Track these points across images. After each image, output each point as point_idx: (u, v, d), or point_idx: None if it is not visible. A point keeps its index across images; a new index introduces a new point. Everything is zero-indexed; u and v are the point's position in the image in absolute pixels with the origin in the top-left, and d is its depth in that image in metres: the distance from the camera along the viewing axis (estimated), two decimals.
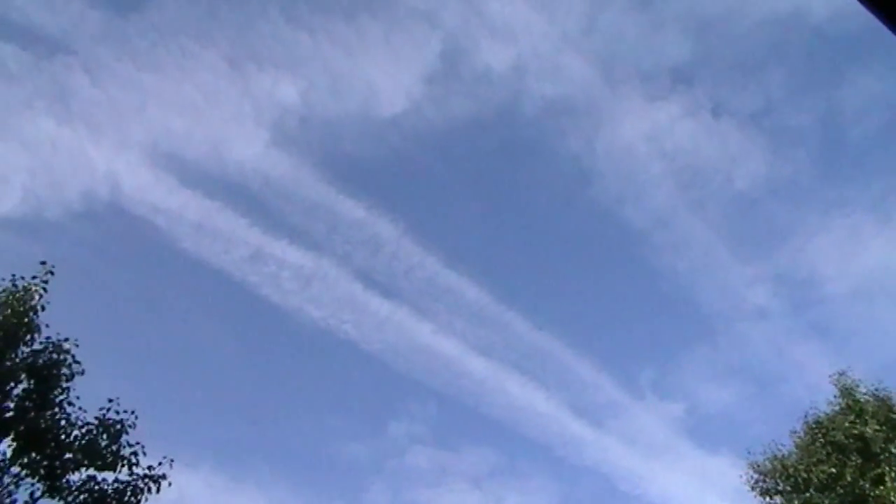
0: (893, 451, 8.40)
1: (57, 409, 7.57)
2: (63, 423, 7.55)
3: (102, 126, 13.66)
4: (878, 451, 8.54)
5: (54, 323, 8.17)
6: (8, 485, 7.30)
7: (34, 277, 8.08)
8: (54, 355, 8.13)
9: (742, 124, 16.10)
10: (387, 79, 13.77)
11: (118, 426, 7.32)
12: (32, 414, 7.41)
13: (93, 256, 14.78)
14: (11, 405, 7.59)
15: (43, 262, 8.32)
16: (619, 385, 17.58)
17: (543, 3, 13.57)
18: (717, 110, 16.07)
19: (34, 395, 7.51)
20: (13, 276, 8.23)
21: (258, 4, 13.14)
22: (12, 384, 7.73)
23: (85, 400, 7.86)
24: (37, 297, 7.92)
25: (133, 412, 7.50)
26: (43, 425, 7.35)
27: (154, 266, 15.27)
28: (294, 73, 13.55)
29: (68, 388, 7.79)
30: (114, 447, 7.26)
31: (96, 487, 7.31)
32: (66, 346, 8.18)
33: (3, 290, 8.05)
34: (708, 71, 16.22)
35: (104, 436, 7.28)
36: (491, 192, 16.32)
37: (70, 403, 7.75)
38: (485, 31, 13.67)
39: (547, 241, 17.66)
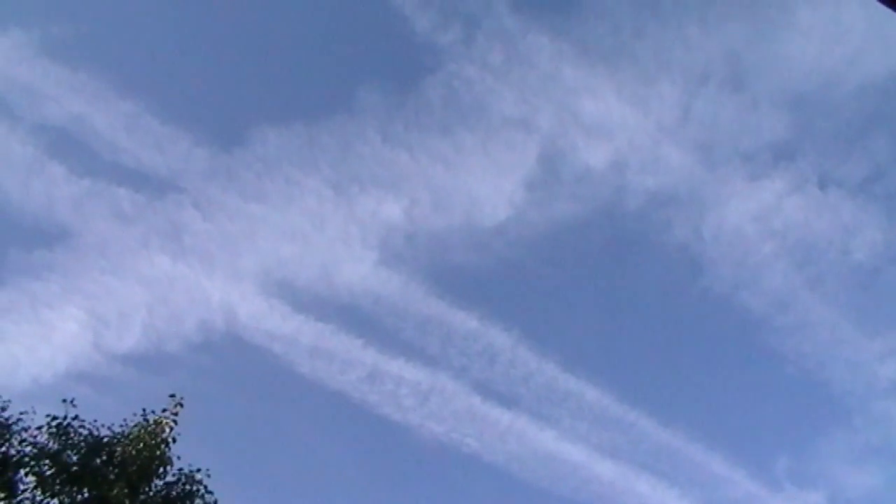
0: None
1: None
2: None
3: (215, 258, 14.04)
4: None
5: (183, 453, 8.26)
6: None
7: (164, 410, 8.20)
8: (188, 486, 8.17)
9: (851, 193, 15.53)
10: (488, 188, 13.85)
11: None
12: None
13: (213, 386, 14.97)
14: None
15: (172, 395, 8.48)
16: (754, 477, 16.58)
17: (636, 98, 13.57)
18: (823, 182, 15.54)
19: None
20: (143, 410, 8.42)
21: (356, 127, 13.52)
22: None
23: None
24: (167, 429, 8.09)
25: None
26: None
27: (273, 391, 15.37)
28: (396, 191, 13.77)
29: None
30: None
31: None
32: (199, 476, 8.23)
33: (136, 426, 8.21)
34: (809, 144, 15.77)
35: None
36: (601, 290, 16.04)
37: None
38: (580, 131, 13.68)
39: (663, 335, 17.13)
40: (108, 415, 9.04)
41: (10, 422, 7.67)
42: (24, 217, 13.89)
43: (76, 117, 13.28)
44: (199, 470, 8.26)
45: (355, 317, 14.54)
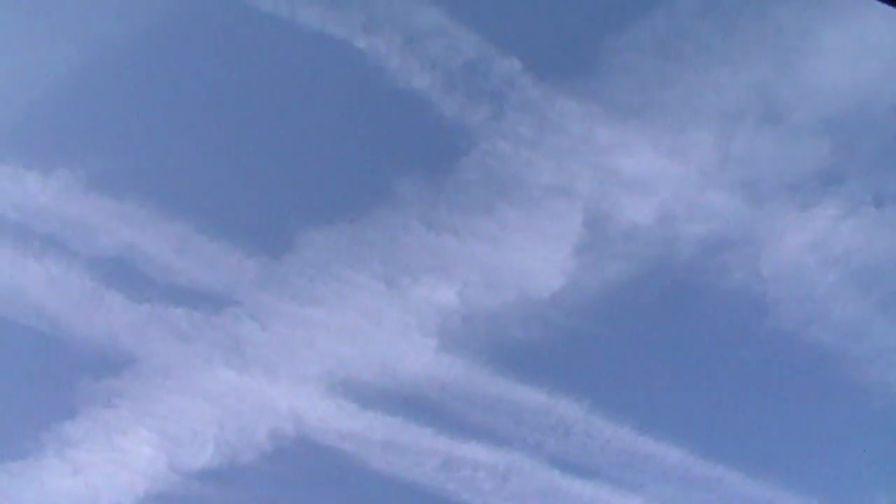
0: None
1: None
2: None
3: (278, 366, 14.11)
4: None
5: None
6: None
7: None
8: None
9: None
10: (537, 260, 13.77)
11: None
12: None
13: (290, 491, 14.89)
14: None
15: None
16: None
17: (673, 148, 13.47)
18: (878, 200, 15.14)
19: None
20: None
21: (399, 218, 13.61)
22: None
23: None
24: None
25: None
26: None
27: (349, 491, 15.21)
28: (447, 275, 13.75)
29: None
30: None
31: None
32: None
33: None
34: (855, 164, 15.40)
35: None
36: (665, 345, 15.71)
37: None
38: (622, 190, 13.60)
39: (736, 382, 16.66)
40: None
41: None
42: (89, 348, 14.16)
43: (128, 246, 13.61)
44: None
45: (423, 406, 14.43)
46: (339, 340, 14.15)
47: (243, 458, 14.06)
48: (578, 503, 14.94)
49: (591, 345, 15.23)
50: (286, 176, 14.40)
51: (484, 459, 14.29)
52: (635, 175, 13.47)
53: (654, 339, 15.56)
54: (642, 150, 13.38)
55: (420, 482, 14.70)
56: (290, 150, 14.24)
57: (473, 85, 13.11)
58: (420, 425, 14.26)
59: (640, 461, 14.68)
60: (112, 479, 13.96)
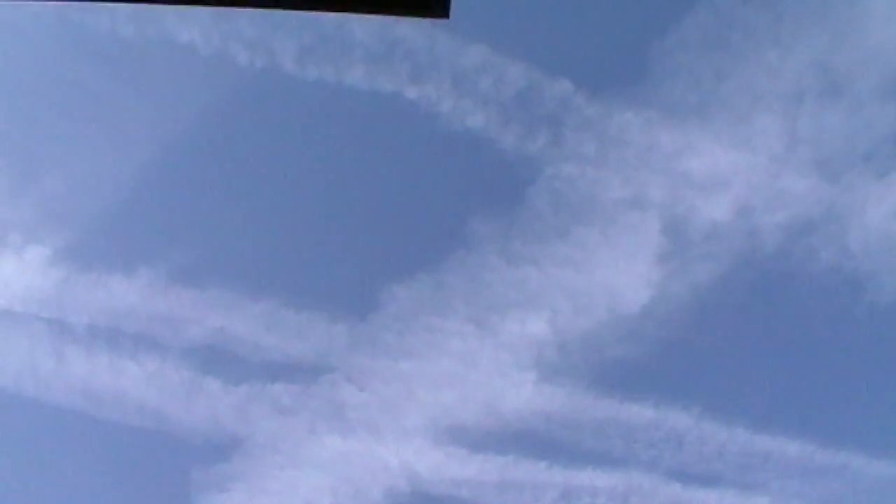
0: None
1: None
2: None
3: (382, 424, 14.12)
4: None
5: None
6: None
7: None
8: None
9: None
10: (621, 275, 13.62)
11: None
12: None
13: None
14: None
15: None
16: None
17: (739, 140, 13.26)
18: None
19: None
20: None
21: (477, 259, 13.58)
22: None
23: None
24: None
25: None
26: None
27: None
28: (535, 307, 13.68)
29: None
30: None
31: None
32: None
33: None
34: None
35: None
36: (764, 339, 15.36)
37: None
38: (695, 191, 13.40)
39: (842, 364, 16.20)
40: None
41: None
42: (195, 437, 14.37)
43: (218, 331, 13.83)
44: None
45: (532, 441, 14.31)
46: (438, 389, 14.14)
47: None
48: None
49: (689, 351, 15.00)
50: (360, 238, 14.57)
51: (602, 484, 14.08)
52: (706, 174, 13.28)
53: (751, 334, 15.25)
54: (708, 147, 13.21)
55: None
56: (360, 212, 14.42)
57: (528, 114, 13.11)
58: (533, 460, 14.14)
59: (759, 460, 14.34)
60: None
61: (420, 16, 3.21)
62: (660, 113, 13.02)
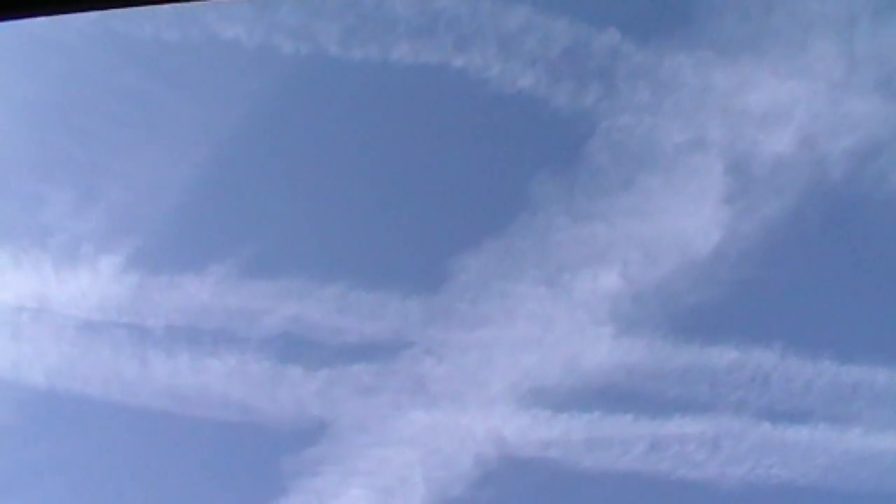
0: None
1: None
2: None
3: (464, 394, 14.20)
4: None
5: None
6: None
7: None
8: None
9: None
10: (689, 220, 13.47)
11: None
12: None
13: None
14: None
15: None
16: None
17: (795, 69, 12.98)
18: None
19: None
20: None
21: (543, 220, 13.49)
22: None
23: None
24: None
25: None
26: None
27: (564, 494, 15.15)
28: (605, 261, 13.60)
29: None
30: None
31: None
32: None
33: None
34: None
35: None
36: (840, 267, 15.09)
37: None
38: (755, 126, 13.18)
39: None
40: None
41: None
42: (281, 425, 14.58)
43: (293, 319, 13.99)
44: None
45: (616, 395, 14.28)
46: (517, 353, 14.17)
47: (455, 492, 14.18)
48: (797, 450, 14.47)
49: (766, 288, 14.80)
50: (424, 212, 14.60)
51: (690, 431, 14.01)
52: (765, 108, 13.05)
53: (827, 264, 15.00)
54: (765, 80, 12.97)
55: (631, 470, 14.51)
56: (420, 187, 14.44)
57: (578, 68, 12.98)
58: (618, 414, 14.12)
59: (848, 391, 14.13)
60: None
61: None
62: (712, 51, 12.81)
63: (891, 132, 13.64)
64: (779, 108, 13.02)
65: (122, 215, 14.04)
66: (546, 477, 14.60)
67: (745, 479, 14.37)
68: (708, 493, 14.61)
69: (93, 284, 13.60)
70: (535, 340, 14.06)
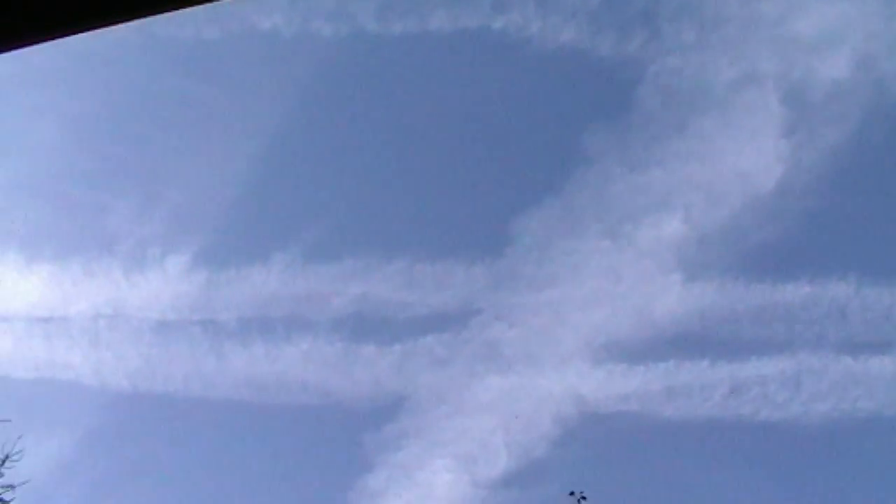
0: None
1: None
2: None
3: (538, 356, 14.20)
4: None
5: None
6: None
7: None
8: None
9: None
10: (750, 156, 13.21)
11: None
12: None
13: (591, 469, 14.84)
14: None
15: (571, 493, 9.01)
16: None
17: None
18: None
19: None
20: None
21: (599, 173, 13.35)
22: None
23: None
24: None
25: None
26: None
27: (647, 447, 15.08)
28: (666, 207, 13.45)
29: None
30: None
31: None
32: None
33: None
34: None
35: None
36: None
37: None
38: (807, 53, 12.82)
39: None
40: None
41: None
42: (360, 403, 14.75)
43: (361, 298, 14.10)
44: None
45: (690, 341, 14.13)
46: (587, 309, 14.10)
47: (538, 452, 14.19)
48: (881, 381, 14.16)
49: (835, 219, 14.46)
50: (479, 178, 14.60)
51: (770, 371, 13.78)
52: (817, 33, 12.67)
53: (894, 188, 14.59)
54: (813, 4, 12.59)
55: (713, 416, 14.37)
56: (473, 153, 14.42)
57: (619, 15, 12.78)
58: (694, 361, 13.95)
59: None
60: None
61: None
62: None
63: None
64: (831, 31, 12.63)
65: (184, 215, 14.34)
66: (627, 430, 14.56)
67: (829, 415, 14.13)
68: (793, 433, 14.41)
69: (163, 285, 13.92)
70: (604, 295, 13.97)
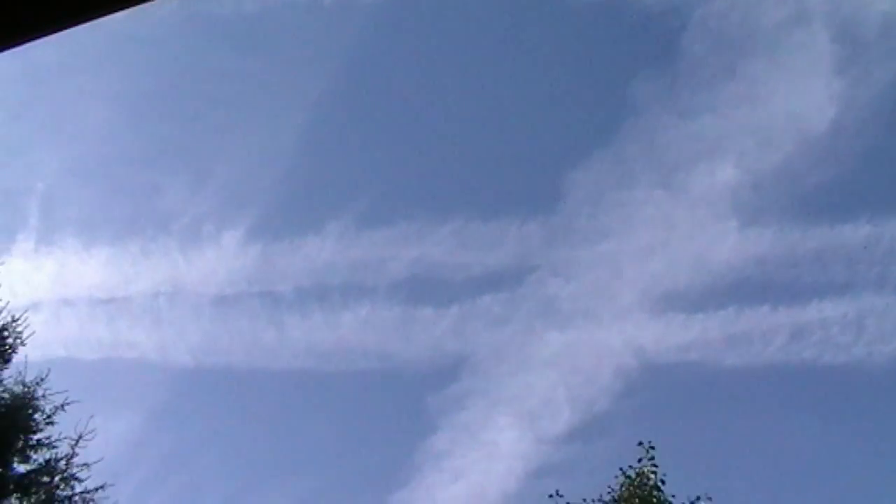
0: None
1: None
2: None
3: (596, 310, 14.18)
4: None
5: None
6: None
7: (639, 461, 8.99)
8: None
9: None
10: (802, 98, 12.92)
11: None
12: None
13: (653, 420, 14.83)
14: None
15: (640, 444, 9.18)
16: None
17: None
18: None
19: None
20: (620, 469, 9.00)
21: (648, 122, 13.15)
22: None
23: None
24: (652, 476, 8.86)
25: None
26: None
27: (710, 396, 15.01)
28: (719, 153, 13.25)
29: None
30: None
31: None
32: None
33: (622, 486, 8.85)
34: None
35: None
36: None
37: None
38: None
39: None
40: (583, 491, 9.54)
41: None
42: (421, 366, 14.88)
43: (416, 261, 14.17)
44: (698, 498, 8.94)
45: (749, 288, 13.97)
46: (643, 260, 14.01)
47: (600, 406, 14.18)
48: None
49: (890, 156, 14.08)
50: (528, 134, 14.53)
51: (831, 314, 13.54)
52: None
53: None
54: None
55: (775, 361, 14.22)
56: (520, 110, 14.33)
57: None
58: (754, 307, 13.81)
59: None
60: (490, 471, 14.50)
61: None
62: None
63: None
64: None
65: (236, 190, 14.53)
66: (689, 380, 14.51)
67: (894, 356, 13.89)
68: (856, 376, 14.21)
69: (219, 260, 14.15)
70: (660, 245, 13.86)
